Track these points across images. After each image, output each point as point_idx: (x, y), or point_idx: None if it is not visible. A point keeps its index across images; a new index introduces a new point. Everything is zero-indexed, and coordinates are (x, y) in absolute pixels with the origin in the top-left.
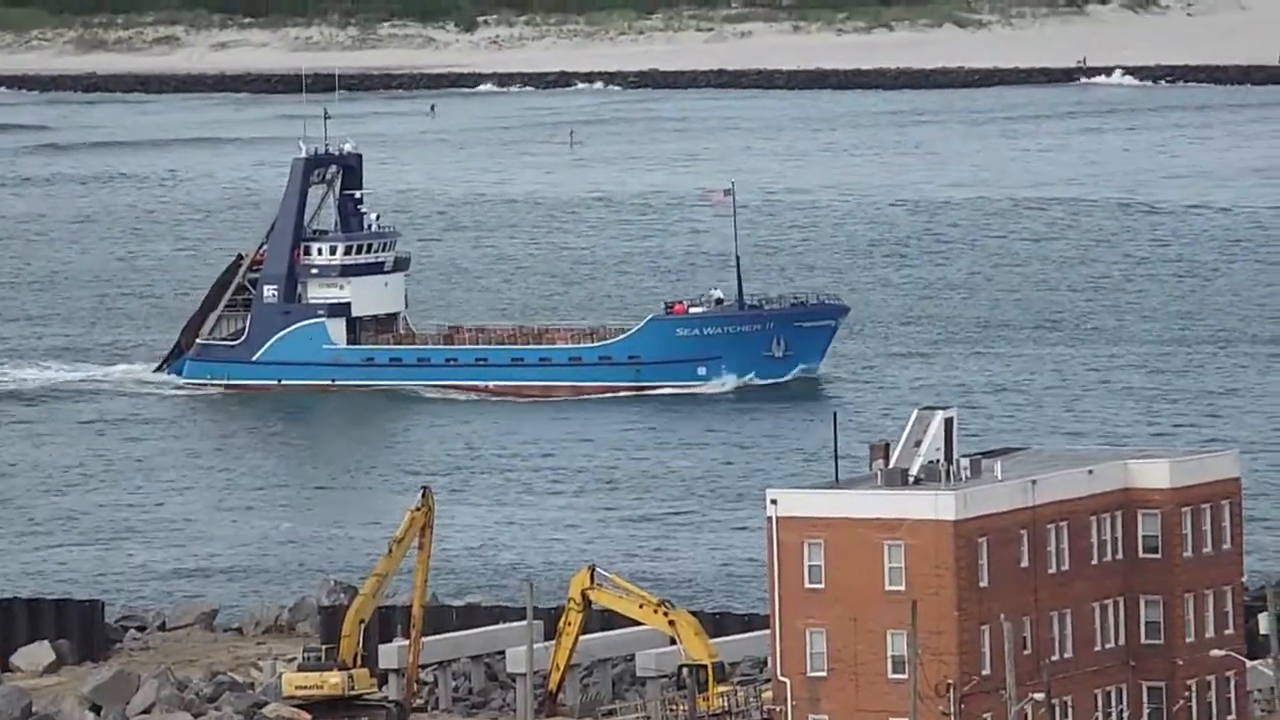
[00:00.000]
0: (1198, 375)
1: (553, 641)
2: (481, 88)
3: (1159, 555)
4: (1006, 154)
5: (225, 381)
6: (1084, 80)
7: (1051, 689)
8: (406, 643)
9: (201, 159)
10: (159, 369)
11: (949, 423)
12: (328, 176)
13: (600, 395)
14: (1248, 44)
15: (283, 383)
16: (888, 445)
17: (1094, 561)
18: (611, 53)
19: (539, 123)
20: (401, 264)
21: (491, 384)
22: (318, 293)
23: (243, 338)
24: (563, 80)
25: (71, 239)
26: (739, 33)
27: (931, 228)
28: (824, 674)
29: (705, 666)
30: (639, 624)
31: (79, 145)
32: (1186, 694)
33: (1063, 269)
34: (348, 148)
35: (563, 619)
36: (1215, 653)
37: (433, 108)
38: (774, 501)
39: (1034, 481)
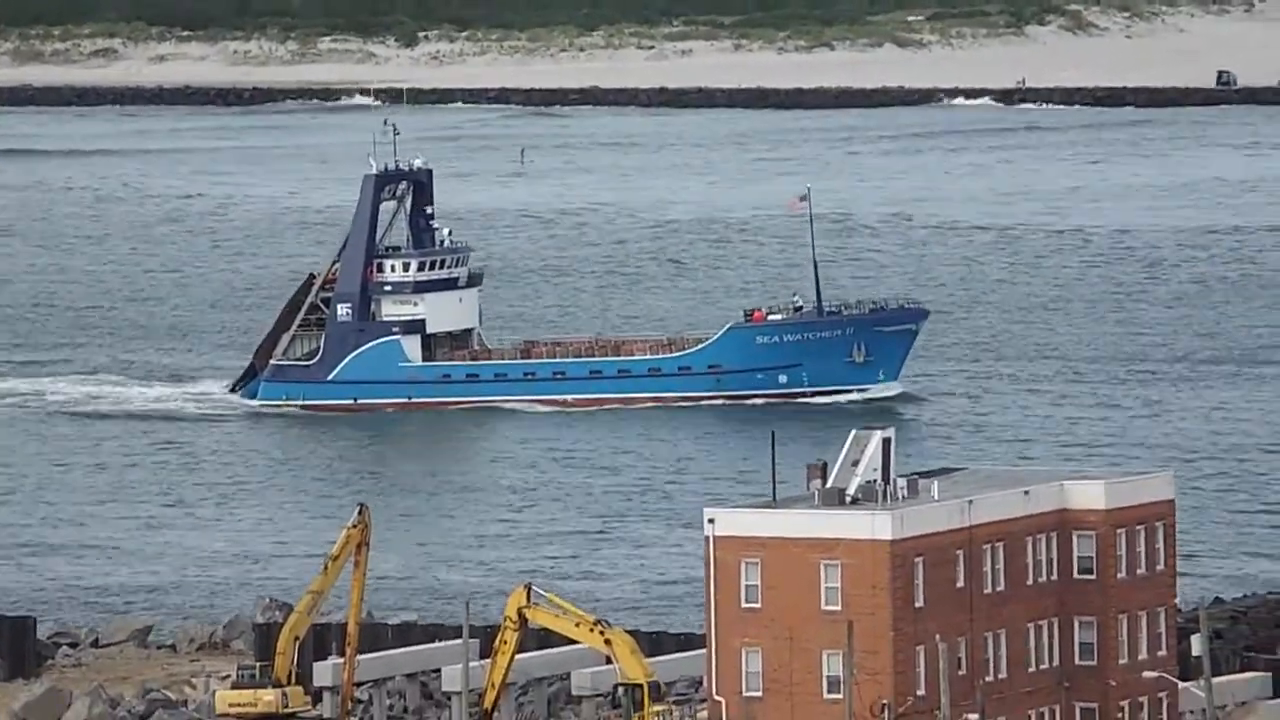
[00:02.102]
0: (1125, 394)
1: (489, 660)
2: (422, 103)
3: (1093, 576)
4: (940, 173)
5: (301, 402)
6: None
7: (986, 710)
8: (341, 660)
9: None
10: (232, 390)
11: (886, 443)
12: (398, 193)
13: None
14: (1186, 67)
15: (359, 401)
16: (824, 465)
17: (1029, 582)
18: (553, 69)
19: (482, 136)
20: (475, 280)
21: (570, 397)
22: (392, 310)
23: (317, 357)
24: (502, 97)
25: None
26: (680, 51)
27: (863, 246)
28: (759, 694)
29: (641, 686)
30: (575, 642)
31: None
32: (1119, 715)
33: (994, 289)
34: (418, 163)
35: (499, 637)
36: (1148, 674)
37: (385, 121)
38: (711, 521)
39: (970, 502)
